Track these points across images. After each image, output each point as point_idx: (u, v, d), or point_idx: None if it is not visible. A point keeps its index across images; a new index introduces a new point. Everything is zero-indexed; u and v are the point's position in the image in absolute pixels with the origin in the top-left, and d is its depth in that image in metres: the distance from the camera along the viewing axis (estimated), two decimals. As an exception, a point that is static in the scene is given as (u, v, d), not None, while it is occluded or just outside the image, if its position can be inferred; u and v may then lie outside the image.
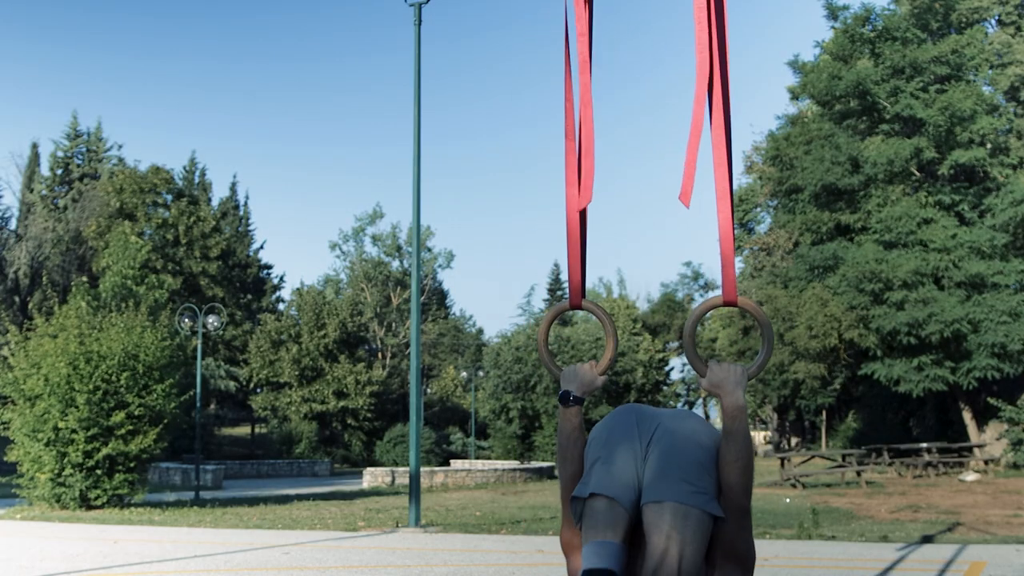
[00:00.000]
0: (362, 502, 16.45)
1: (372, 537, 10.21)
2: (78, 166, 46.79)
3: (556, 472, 2.31)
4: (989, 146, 26.75)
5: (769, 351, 2.30)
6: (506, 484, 23.58)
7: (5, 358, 21.30)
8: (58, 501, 14.55)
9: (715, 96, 2.13)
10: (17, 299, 38.38)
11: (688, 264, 61.44)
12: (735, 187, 42.88)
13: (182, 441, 29.30)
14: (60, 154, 46.44)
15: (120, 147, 50.19)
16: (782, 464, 20.77)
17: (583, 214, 2.33)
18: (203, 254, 41.41)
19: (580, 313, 57.56)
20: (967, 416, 26.90)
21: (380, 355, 46.72)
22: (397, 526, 11.49)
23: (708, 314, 52.65)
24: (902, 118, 27.02)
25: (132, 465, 14.91)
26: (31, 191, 45.45)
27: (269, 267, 51.49)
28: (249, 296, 47.34)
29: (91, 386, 14.35)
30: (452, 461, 35.22)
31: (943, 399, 29.45)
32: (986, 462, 23.29)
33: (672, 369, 49.46)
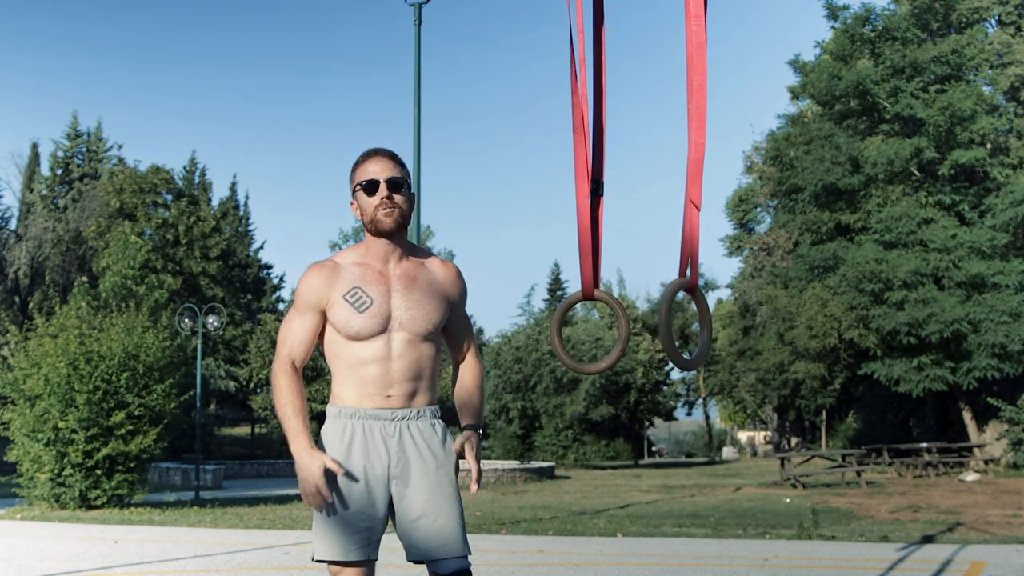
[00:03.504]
0: (362, 502, 16.39)
1: (372, 537, 10.20)
2: (78, 166, 46.78)
3: None
4: (989, 146, 26.76)
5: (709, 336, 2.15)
6: (506, 484, 23.57)
7: (5, 358, 21.33)
8: (58, 501, 14.55)
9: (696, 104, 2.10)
10: (17, 299, 38.39)
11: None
12: (736, 187, 42.77)
13: (182, 441, 29.28)
14: (60, 154, 46.42)
15: (120, 147, 50.14)
16: (782, 464, 20.76)
17: (596, 204, 2.32)
18: (203, 254, 41.39)
19: (580, 313, 57.63)
20: (967, 416, 26.91)
21: (380, 355, 46.66)
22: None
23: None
24: (902, 118, 27.02)
25: (132, 465, 14.90)
26: (31, 191, 45.46)
27: (269, 267, 51.46)
28: (249, 296, 47.32)
29: (91, 386, 14.34)
30: (452, 461, 35.16)
31: (943, 399, 29.45)
32: (986, 462, 23.28)
33: (672, 369, 49.43)
